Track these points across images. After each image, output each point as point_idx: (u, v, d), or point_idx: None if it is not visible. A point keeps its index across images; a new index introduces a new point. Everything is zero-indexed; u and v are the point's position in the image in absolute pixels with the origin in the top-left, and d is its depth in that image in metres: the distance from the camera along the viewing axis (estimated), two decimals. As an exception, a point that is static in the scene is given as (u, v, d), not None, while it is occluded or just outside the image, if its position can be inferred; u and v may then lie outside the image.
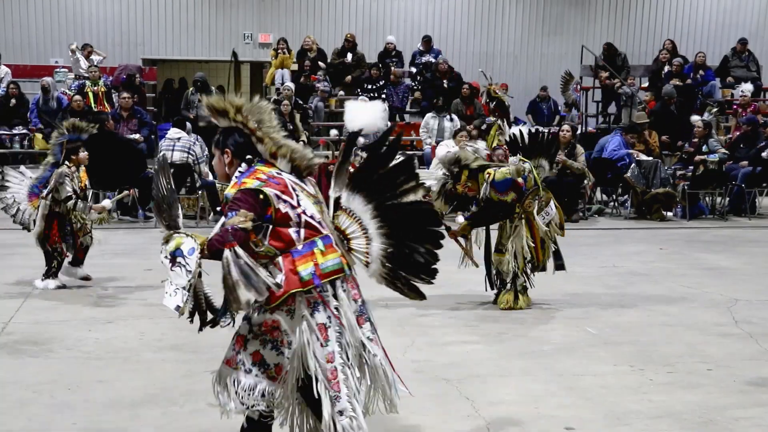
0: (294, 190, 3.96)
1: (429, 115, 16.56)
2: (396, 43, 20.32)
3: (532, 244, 7.85)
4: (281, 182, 3.95)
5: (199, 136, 13.64)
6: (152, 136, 16.00)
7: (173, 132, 13.62)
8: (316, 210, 3.99)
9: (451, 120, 16.18)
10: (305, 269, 3.86)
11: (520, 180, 7.69)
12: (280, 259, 3.87)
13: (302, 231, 3.91)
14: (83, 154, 8.58)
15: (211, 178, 13.16)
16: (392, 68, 19.18)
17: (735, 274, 9.87)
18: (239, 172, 4.00)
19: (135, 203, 13.81)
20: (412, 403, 5.35)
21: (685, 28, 23.62)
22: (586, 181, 14.17)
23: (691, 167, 14.56)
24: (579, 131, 17.71)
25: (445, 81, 18.58)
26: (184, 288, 3.75)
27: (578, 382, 5.84)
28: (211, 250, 3.76)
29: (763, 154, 14.64)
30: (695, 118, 15.51)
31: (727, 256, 11.02)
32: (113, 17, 22.00)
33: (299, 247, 3.89)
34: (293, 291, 3.84)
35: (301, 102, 17.76)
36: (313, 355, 3.85)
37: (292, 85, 17.66)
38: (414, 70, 19.87)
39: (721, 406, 5.39)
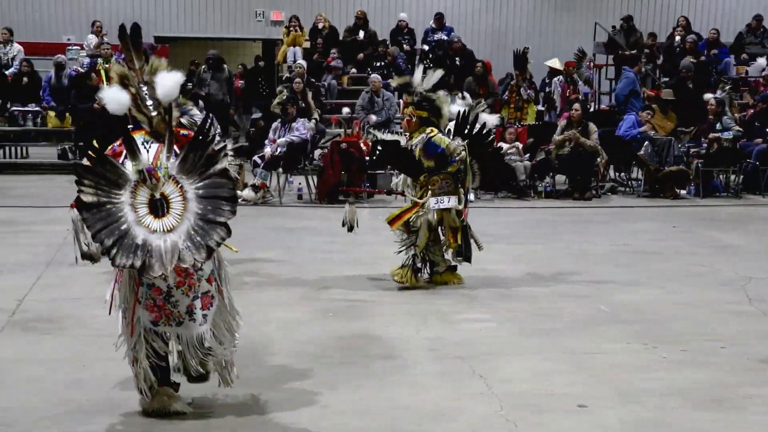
0: (125, 158, 4.49)
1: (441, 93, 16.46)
2: (408, 20, 20.24)
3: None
4: (120, 151, 4.56)
5: (210, 114, 13.63)
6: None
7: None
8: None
9: (463, 98, 16.06)
10: None
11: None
12: None
13: None
14: None
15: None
16: (389, 48, 19.10)
17: (748, 252, 9.83)
18: None
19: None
20: (424, 381, 5.38)
21: (699, 5, 23.45)
22: (599, 159, 14.12)
23: (705, 145, 14.49)
24: (591, 109, 17.63)
25: (457, 59, 18.50)
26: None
27: (590, 360, 5.84)
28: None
29: None
30: (708, 96, 15.40)
31: (740, 234, 10.98)
32: (126, -5, 22.01)
33: None
34: None
35: (313, 80, 17.72)
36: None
37: (304, 63, 17.61)
38: (426, 47, 19.78)
39: (733, 384, 5.38)
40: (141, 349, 4.67)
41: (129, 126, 4.68)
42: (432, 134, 7.72)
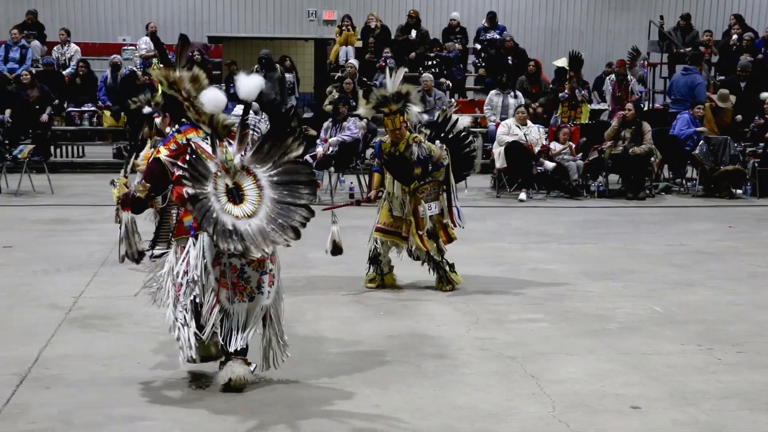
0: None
1: (493, 92, 16.43)
2: (460, 19, 20.19)
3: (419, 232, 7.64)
4: (182, 149, 4.98)
5: (265, 114, 13.70)
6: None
7: (239, 109, 13.66)
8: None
9: (515, 97, 16.04)
10: (187, 221, 5.00)
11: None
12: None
13: None
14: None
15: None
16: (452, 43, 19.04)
17: (806, 253, 9.68)
18: (169, 133, 5.17)
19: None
20: (476, 380, 5.37)
21: (756, 2, 23.13)
22: (653, 159, 13.98)
23: (762, 144, 14.29)
24: (645, 108, 17.47)
25: (509, 57, 18.43)
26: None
27: (644, 361, 5.79)
28: (122, 204, 5.35)
29: None
30: (765, 95, 15.17)
31: (798, 235, 10.82)
32: (180, -5, 22.25)
33: None
34: (177, 237, 5.09)
35: (365, 79, 17.74)
36: (169, 270, 5.11)
37: (356, 62, 17.64)
38: (478, 46, 19.71)
39: (791, 387, 5.31)
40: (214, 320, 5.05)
41: (183, 120, 5.17)
42: (422, 141, 7.60)
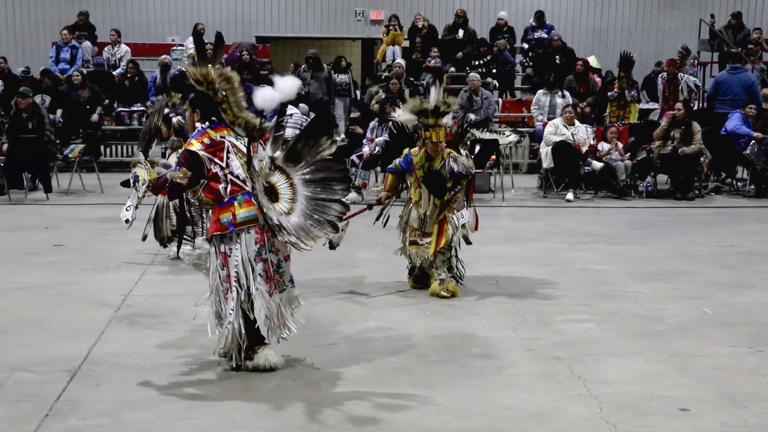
0: (228, 152, 5.18)
1: (540, 91, 16.35)
2: (508, 18, 20.10)
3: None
4: (219, 146, 5.17)
5: (312, 113, 13.75)
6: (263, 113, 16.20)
7: (291, 109, 13.72)
8: (244, 170, 5.19)
9: (563, 97, 15.95)
10: (225, 217, 5.17)
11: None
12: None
13: (228, 187, 5.17)
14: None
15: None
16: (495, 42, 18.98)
17: None
18: (198, 129, 5.28)
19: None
20: (523, 381, 5.35)
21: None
22: (702, 159, 13.82)
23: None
24: (695, 108, 17.26)
25: (557, 57, 18.32)
26: (133, 207, 5.68)
27: (693, 363, 5.72)
28: (154, 189, 5.40)
29: None
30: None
31: None
32: (228, -5, 22.39)
33: (225, 199, 5.17)
34: (214, 233, 5.22)
35: (412, 79, 17.72)
36: (214, 274, 5.31)
37: (403, 62, 17.63)
38: (526, 46, 19.62)
39: (844, 391, 5.22)
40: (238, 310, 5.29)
41: (213, 119, 5.30)
42: (458, 157, 7.53)
